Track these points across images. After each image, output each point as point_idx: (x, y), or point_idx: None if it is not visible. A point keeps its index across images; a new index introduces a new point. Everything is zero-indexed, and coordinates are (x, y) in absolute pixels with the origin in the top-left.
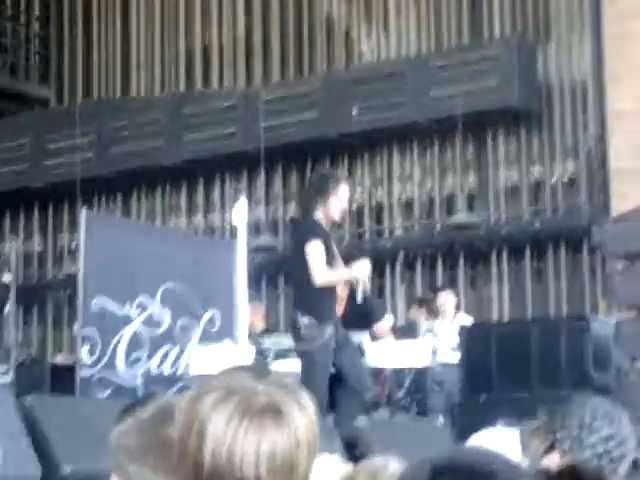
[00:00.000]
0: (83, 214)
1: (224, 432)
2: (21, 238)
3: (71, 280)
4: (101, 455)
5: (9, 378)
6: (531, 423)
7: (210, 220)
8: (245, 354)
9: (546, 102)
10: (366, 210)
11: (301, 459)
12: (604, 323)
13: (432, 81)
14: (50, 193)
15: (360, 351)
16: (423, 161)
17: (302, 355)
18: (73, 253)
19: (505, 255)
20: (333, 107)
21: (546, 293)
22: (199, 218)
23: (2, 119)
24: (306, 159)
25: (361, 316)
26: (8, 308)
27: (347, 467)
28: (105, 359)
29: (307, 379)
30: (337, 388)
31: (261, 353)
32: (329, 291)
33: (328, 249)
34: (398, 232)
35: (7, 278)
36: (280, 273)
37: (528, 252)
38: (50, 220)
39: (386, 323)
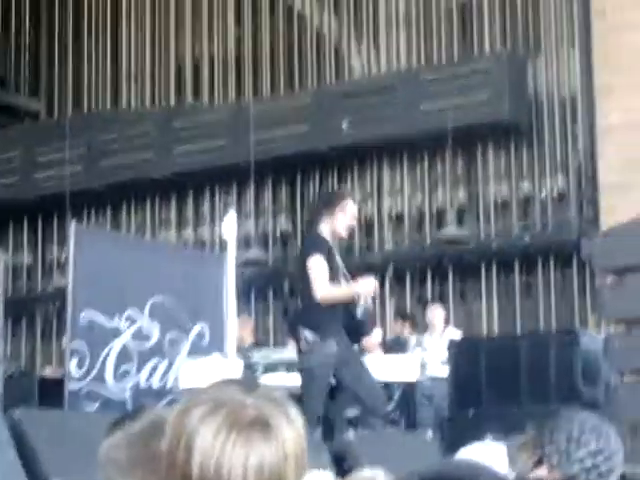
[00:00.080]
0: (72, 227)
1: (212, 445)
2: (10, 251)
3: (60, 293)
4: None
5: None
6: (520, 437)
7: (200, 233)
8: (234, 368)
9: (536, 116)
10: (356, 224)
11: (289, 472)
12: (593, 338)
13: (422, 95)
14: (40, 206)
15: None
16: (413, 175)
17: (302, 369)
18: (62, 266)
19: (495, 269)
20: (323, 121)
21: (535, 307)
22: (189, 231)
23: None
24: (296, 173)
25: (350, 330)
26: None
27: None
28: (94, 372)
29: (305, 393)
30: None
31: (250, 367)
32: (333, 306)
33: (332, 264)
34: (388, 246)
35: None
36: (269, 287)
37: (517, 266)
38: (39, 233)
39: (375, 337)
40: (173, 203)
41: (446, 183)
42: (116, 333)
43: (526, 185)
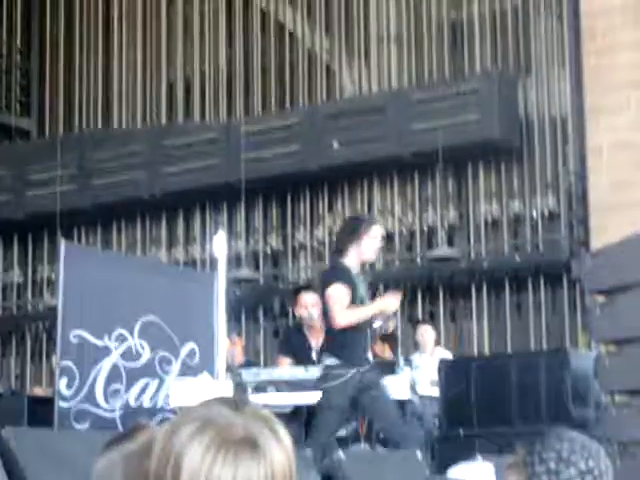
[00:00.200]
0: (62, 246)
1: (200, 464)
2: (0, 269)
3: (50, 312)
4: None
5: None
6: (509, 457)
7: (190, 253)
8: (224, 387)
9: (526, 136)
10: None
11: None
12: (584, 357)
13: (413, 115)
14: (30, 224)
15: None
16: (403, 195)
17: (321, 394)
18: (53, 285)
19: (485, 289)
20: (314, 140)
21: (526, 327)
22: (179, 250)
23: None
24: (287, 192)
25: None
26: None
27: None
28: (84, 391)
29: (319, 418)
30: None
31: (240, 386)
32: (357, 336)
33: (354, 295)
34: (378, 265)
35: None
36: (260, 306)
37: (508, 286)
38: (30, 251)
39: None
40: (164, 222)
41: (437, 203)
42: (106, 352)
43: (517, 205)
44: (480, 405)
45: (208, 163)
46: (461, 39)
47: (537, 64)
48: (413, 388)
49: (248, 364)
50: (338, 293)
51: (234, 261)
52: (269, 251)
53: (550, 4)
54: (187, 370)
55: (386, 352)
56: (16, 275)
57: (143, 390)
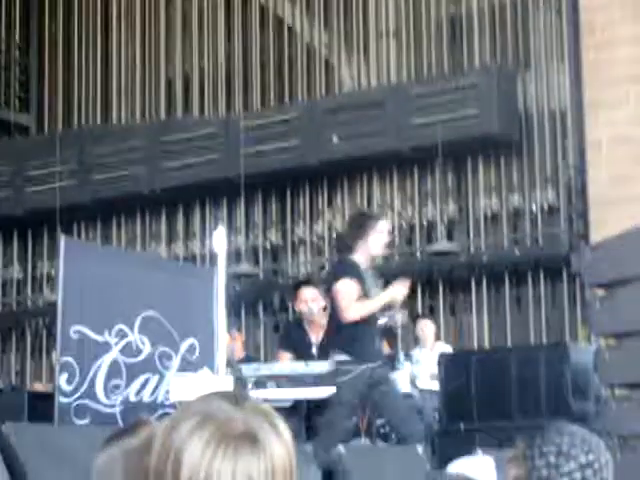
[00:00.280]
0: (62, 241)
1: (200, 459)
2: (0, 265)
3: (50, 308)
4: None
5: None
6: (509, 451)
7: (190, 248)
8: (224, 382)
9: (525, 130)
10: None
11: None
12: (583, 351)
13: (412, 109)
14: (30, 220)
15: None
16: (403, 189)
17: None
18: (53, 281)
19: (485, 283)
20: (313, 135)
21: (526, 321)
22: (179, 246)
23: None
24: (286, 187)
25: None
26: None
27: None
28: (84, 387)
29: (329, 414)
30: (316, 416)
31: (240, 381)
32: (367, 330)
33: (363, 287)
34: (378, 260)
35: None
36: (260, 301)
37: (507, 280)
38: (30, 247)
39: None
40: (163, 217)
41: (436, 197)
42: (106, 348)
43: (516, 199)
44: (480, 399)
45: (207, 158)
46: (460, 34)
47: (536, 58)
48: (413, 382)
49: (248, 359)
50: (346, 287)
51: (234, 256)
52: (269, 246)
53: None
54: (187, 365)
55: (385, 347)
56: (16, 271)
57: (143, 385)
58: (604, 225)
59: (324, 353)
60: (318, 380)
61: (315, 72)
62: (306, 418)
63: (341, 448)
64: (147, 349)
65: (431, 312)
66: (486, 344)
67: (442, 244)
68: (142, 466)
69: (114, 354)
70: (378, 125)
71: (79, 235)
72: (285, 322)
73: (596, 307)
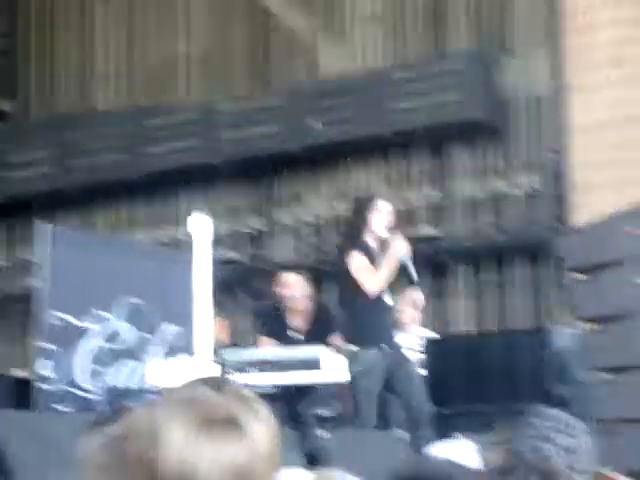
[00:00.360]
0: (43, 227)
1: (182, 444)
2: None
3: (30, 294)
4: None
5: None
6: (490, 435)
7: (171, 233)
8: (206, 368)
9: (507, 115)
10: (327, 223)
11: (260, 471)
12: (565, 336)
13: (394, 94)
14: (11, 206)
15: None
16: (385, 174)
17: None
18: (32, 267)
19: (466, 268)
20: (295, 120)
21: (507, 306)
22: (160, 231)
23: None
24: (267, 172)
25: (322, 329)
26: None
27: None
28: (63, 373)
29: (356, 404)
30: (299, 402)
31: (222, 367)
32: (374, 317)
33: (373, 260)
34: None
35: None
36: (240, 287)
37: (489, 265)
38: (12, 233)
39: None
40: (144, 203)
41: (418, 182)
42: (86, 334)
43: (498, 183)
44: (461, 383)
45: (189, 144)
46: (442, 18)
47: (518, 43)
48: None
49: (233, 346)
50: (358, 261)
51: (215, 242)
52: (250, 231)
53: None
54: (169, 351)
55: None
56: (1, 258)
57: (125, 372)
58: (585, 209)
59: (306, 338)
60: (301, 365)
61: (297, 57)
62: (289, 403)
63: (323, 433)
64: (128, 335)
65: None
66: (467, 329)
67: (424, 229)
68: (125, 453)
69: (94, 340)
70: (360, 110)
71: (59, 221)
72: (266, 307)
73: (578, 291)
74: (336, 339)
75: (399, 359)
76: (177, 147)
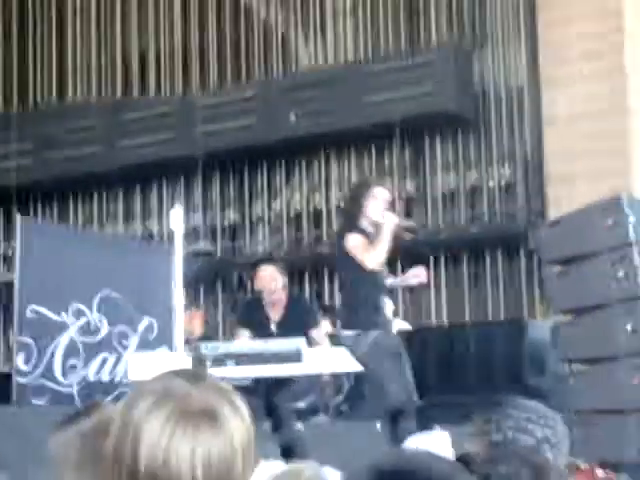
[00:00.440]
0: (18, 221)
1: (159, 437)
2: None
3: (8, 287)
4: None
5: None
6: (467, 426)
7: (147, 227)
8: (182, 361)
9: (482, 108)
10: (304, 215)
11: (237, 463)
12: (541, 327)
13: (369, 87)
14: None
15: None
16: (361, 167)
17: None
18: (10, 260)
19: (443, 260)
20: (270, 113)
21: (484, 298)
22: (136, 225)
23: None
24: (244, 165)
25: (298, 321)
26: None
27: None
28: (41, 367)
29: (372, 387)
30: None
31: (198, 359)
32: (369, 300)
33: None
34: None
35: None
36: (218, 280)
37: (466, 257)
38: None
39: (324, 329)
40: (120, 196)
41: (394, 174)
42: (64, 327)
43: (474, 176)
44: (438, 375)
45: (164, 137)
46: (417, 11)
47: (493, 36)
48: None
49: (207, 338)
50: (355, 241)
51: (192, 235)
52: (227, 224)
53: None
54: (145, 344)
55: (330, 326)
56: None
57: (101, 365)
58: (561, 202)
59: (283, 330)
60: (278, 358)
61: (272, 50)
62: (266, 396)
63: (299, 425)
64: (105, 328)
65: (389, 289)
66: (444, 321)
67: (400, 221)
68: (96, 448)
69: (72, 333)
70: (335, 103)
71: (36, 214)
72: (243, 300)
73: (554, 283)
74: (317, 332)
75: (399, 344)
76: (152, 140)
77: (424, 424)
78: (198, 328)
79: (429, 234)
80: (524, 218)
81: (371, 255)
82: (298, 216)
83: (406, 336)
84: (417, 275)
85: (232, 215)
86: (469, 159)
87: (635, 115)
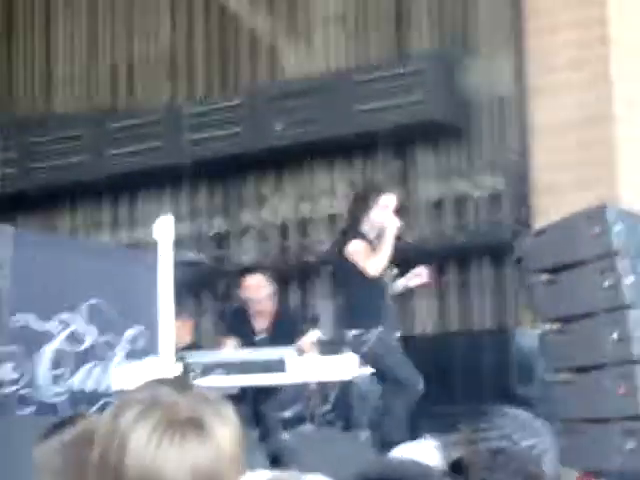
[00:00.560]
0: (4, 230)
1: (146, 446)
2: None
3: None
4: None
5: None
6: (454, 435)
7: (134, 236)
8: (170, 370)
9: (469, 116)
10: (291, 224)
11: (225, 472)
12: (527, 336)
13: (356, 96)
14: None
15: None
16: (348, 175)
17: (367, 360)
18: None
19: (429, 269)
20: (257, 122)
21: (470, 307)
22: (123, 234)
23: None
24: (231, 174)
25: (286, 330)
26: None
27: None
28: (27, 376)
29: (387, 378)
30: (263, 403)
31: (186, 369)
32: (372, 298)
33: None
34: (323, 247)
35: None
36: (205, 288)
37: (452, 266)
38: None
39: (310, 338)
40: (107, 205)
41: (382, 183)
42: (50, 336)
43: (460, 185)
44: (425, 385)
45: (151, 145)
46: (404, 19)
47: (479, 44)
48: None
49: (194, 347)
50: (355, 247)
51: (178, 243)
52: (214, 233)
53: None
54: (133, 354)
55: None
56: None
57: (88, 375)
58: (547, 211)
59: (270, 339)
60: (265, 367)
61: (259, 58)
62: (253, 405)
63: (286, 434)
64: (91, 338)
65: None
66: (430, 330)
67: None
68: (80, 458)
69: (58, 343)
70: (323, 111)
71: (22, 224)
72: (230, 308)
73: (540, 292)
74: (304, 341)
75: (391, 342)
76: (139, 149)
77: (412, 433)
78: (186, 337)
79: (416, 242)
80: (510, 227)
81: (372, 261)
82: (285, 225)
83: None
84: (419, 275)
85: (219, 224)
86: (456, 168)
87: (621, 124)
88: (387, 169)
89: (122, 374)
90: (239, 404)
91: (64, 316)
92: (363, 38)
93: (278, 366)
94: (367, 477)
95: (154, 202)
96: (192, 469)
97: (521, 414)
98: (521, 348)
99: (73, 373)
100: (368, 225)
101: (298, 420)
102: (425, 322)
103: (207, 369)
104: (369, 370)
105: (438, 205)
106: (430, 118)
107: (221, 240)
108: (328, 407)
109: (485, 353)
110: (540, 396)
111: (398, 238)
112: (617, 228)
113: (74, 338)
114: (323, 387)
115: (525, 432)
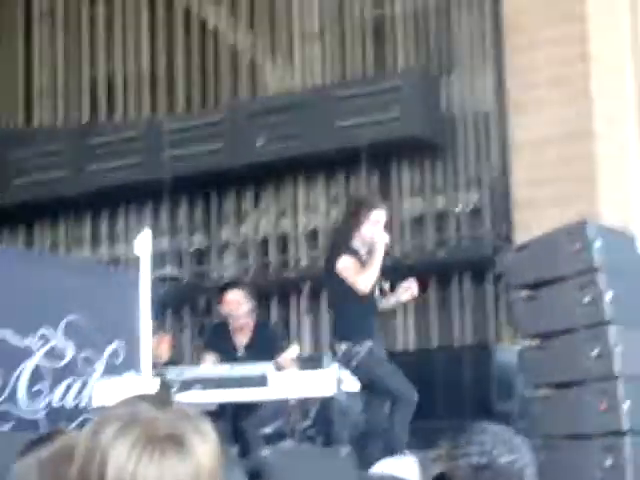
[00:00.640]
0: None
1: (126, 462)
2: None
3: None
4: None
5: None
6: (433, 451)
7: (114, 251)
8: (149, 386)
9: (449, 133)
10: (272, 240)
11: None
12: (508, 352)
13: (337, 112)
14: None
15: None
16: (328, 191)
17: (358, 373)
18: None
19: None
20: (238, 138)
21: (450, 322)
22: (103, 249)
23: None
24: (211, 189)
25: (265, 346)
26: None
27: None
28: (6, 392)
29: (380, 385)
30: (242, 419)
31: (165, 385)
32: (361, 316)
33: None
34: (303, 262)
35: None
36: (185, 304)
37: (433, 282)
38: None
39: (291, 353)
40: (87, 221)
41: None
42: (29, 352)
43: (440, 201)
44: None
45: (131, 161)
46: (384, 36)
47: (460, 61)
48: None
49: (174, 362)
50: (345, 264)
51: (158, 259)
52: (194, 249)
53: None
54: (112, 369)
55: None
56: None
57: (67, 390)
58: (527, 227)
59: (250, 355)
60: (245, 382)
61: (240, 74)
62: (232, 421)
63: (266, 451)
64: (71, 353)
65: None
66: (411, 346)
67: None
68: (57, 475)
69: (37, 359)
70: (303, 127)
71: (1, 239)
72: (210, 324)
73: (520, 308)
74: (283, 357)
75: (382, 354)
76: (119, 164)
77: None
78: (165, 353)
79: (396, 259)
80: (491, 243)
81: (362, 277)
82: (265, 241)
83: None
84: (408, 288)
85: (199, 239)
86: (436, 184)
87: (601, 140)
88: (368, 185)
89: (102, 390)
90: (217, 420)
91: (44, 332)
92: (343, 54)
93: (257, 382)
94: None
95: (134, 218)
96: None
97: (500, 430)
98: (501, 364)
99: (52, 389)
100: (359, 240)
101: (278, 436)
102: (406, 338)
103: (186, 385)
104: (351, 387)
105: (419, 221)
106: (410, 134)
107: (201, 256)
108: (309, 423)
109: (465, 369)
110: (520, 412)
111: (386, 254)
112: (597, 244)
113: (54, 354)
114: (303, 403)
115: (505, 448)
